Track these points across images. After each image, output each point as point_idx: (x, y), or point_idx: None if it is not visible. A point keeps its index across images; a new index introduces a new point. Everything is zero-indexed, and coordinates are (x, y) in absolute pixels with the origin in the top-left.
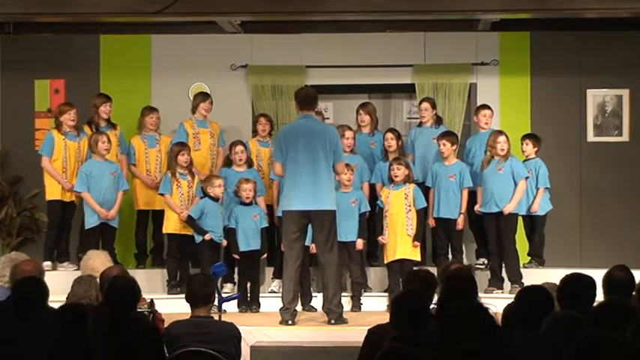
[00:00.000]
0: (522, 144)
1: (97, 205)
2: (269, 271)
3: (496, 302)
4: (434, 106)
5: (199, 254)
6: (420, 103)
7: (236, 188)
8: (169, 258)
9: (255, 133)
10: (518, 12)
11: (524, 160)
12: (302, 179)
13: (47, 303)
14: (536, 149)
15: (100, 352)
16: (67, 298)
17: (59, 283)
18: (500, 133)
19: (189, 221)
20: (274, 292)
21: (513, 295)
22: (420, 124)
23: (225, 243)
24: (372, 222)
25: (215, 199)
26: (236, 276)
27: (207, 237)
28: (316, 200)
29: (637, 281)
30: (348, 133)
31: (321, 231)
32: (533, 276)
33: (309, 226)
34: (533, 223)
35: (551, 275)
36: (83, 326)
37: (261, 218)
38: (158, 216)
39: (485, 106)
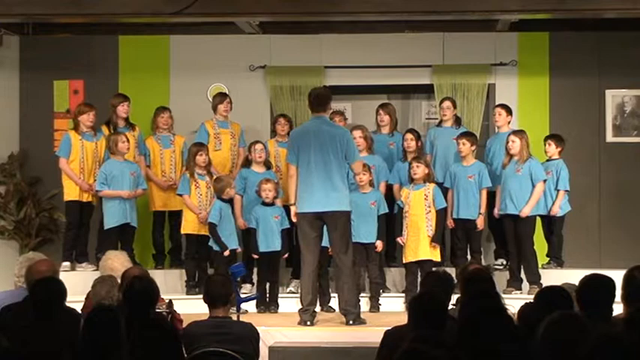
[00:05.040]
0: (545, 144)
1: (118, 191)
2: (288, 272)
3: (515, 303)
4: (455, 106)
5: (215, 261)
6: (442, 102)
7: (257, 188)
8: (188, 258)
9: (273, 133)
10: (536, 12)
11: (547, 161)
12: (314, 182)
13: (65, 303)
14: (559, 149)
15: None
16: (86, 298)
17: (78, 284)
18: (514, 132)
19: (212, 230)
20: (293, 292)
21: (532, 296)
22: (440, 124)
23: (239, 250)
24: (390, 222)
25: (228, 201)
26: (255, 276)
27: (226, 253)
28: (329, 202)
29: None
30: (356, 133)
31: (335, 231)
32: (552, 277)
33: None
34: (552, 224)
35: (570, 276)
36: (118, 328)
37: (282, 219)
38: (175, 216)
39: (498, 105)
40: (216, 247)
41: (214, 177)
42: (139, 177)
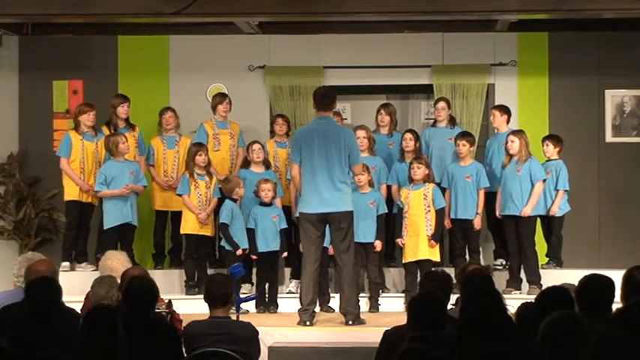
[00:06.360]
0: (543, 145)
1: (115, 190)
2: (287, 272)
3: (514, 303)
4: (450, 106)
5: (226, 261)
6: (437, 102)
7: (256, 188)
8: (187, 258)
9: (272, 133)
10: (536, 12)
11: (546, 161)
12: (318, 182)
13: (61, 302)
14: (557, 150)
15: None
16: (86, 298)
17: (77, 284)
18: (513, 132)
19: (224, 230)
20: (292, 292)
21: (532, 296)
22: (434, 124)
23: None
24: (389, 223)
25: (235, 200)
26: (254, 276)
27: (239, 252)
28: (333, 202)
29: None
30: (360, 133)
31: (338, 231)
32: (552, 277)
33: (327, 227)
34: (551, 224)
35: (570, 276)
36: (115, 328)
37: (280, 219)
38: (176, 217)
39: (495, 106)
40: (228, 247)
41: (223, 177)
42: (139, 175)
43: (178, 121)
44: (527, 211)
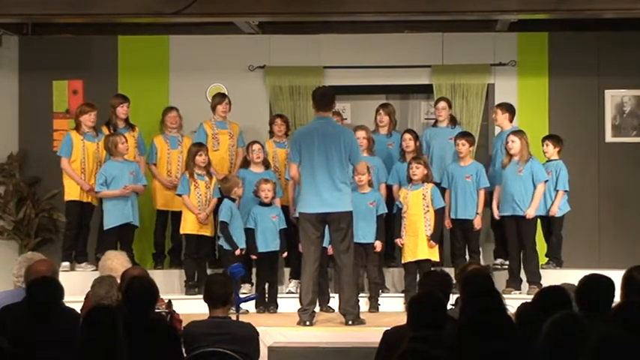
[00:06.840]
0: (543, 145)
1: (114, 191)
2: (287, 272)
3: (514, 303)
4: (450, 106)
5: (224, 261)
6: (437, 102)
7: (255, 188)
8: (187, 258)
9: (271, 134)
10: (536, 12)
11: (546, 162)
12: (318, 182)
13: (62, 302)
14: (557, 150)
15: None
16: (86, 298)
17: (77, 284)
18: (513, 132)
19: (224, 229)
20: (292, 292)
21: (531, 296)
22: (435, 124)
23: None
24: (390, 223)
25: (234, 200)
26: (254, 276)
27: (237, 252)
28: (332, 202)
29: None
30: (360, 133)
31: (337, 231)
32: (552, 277)
33: (327, 227)
34: (551, 225)
35: (570, 276)
36: (115, 328)
37: (279, 219)
38: (176, 216)
39: (497, 105)
40: (226, 246)
41: (222, 177)
42: (138, 175)
43: (181, 122)
44: (531, 213)
